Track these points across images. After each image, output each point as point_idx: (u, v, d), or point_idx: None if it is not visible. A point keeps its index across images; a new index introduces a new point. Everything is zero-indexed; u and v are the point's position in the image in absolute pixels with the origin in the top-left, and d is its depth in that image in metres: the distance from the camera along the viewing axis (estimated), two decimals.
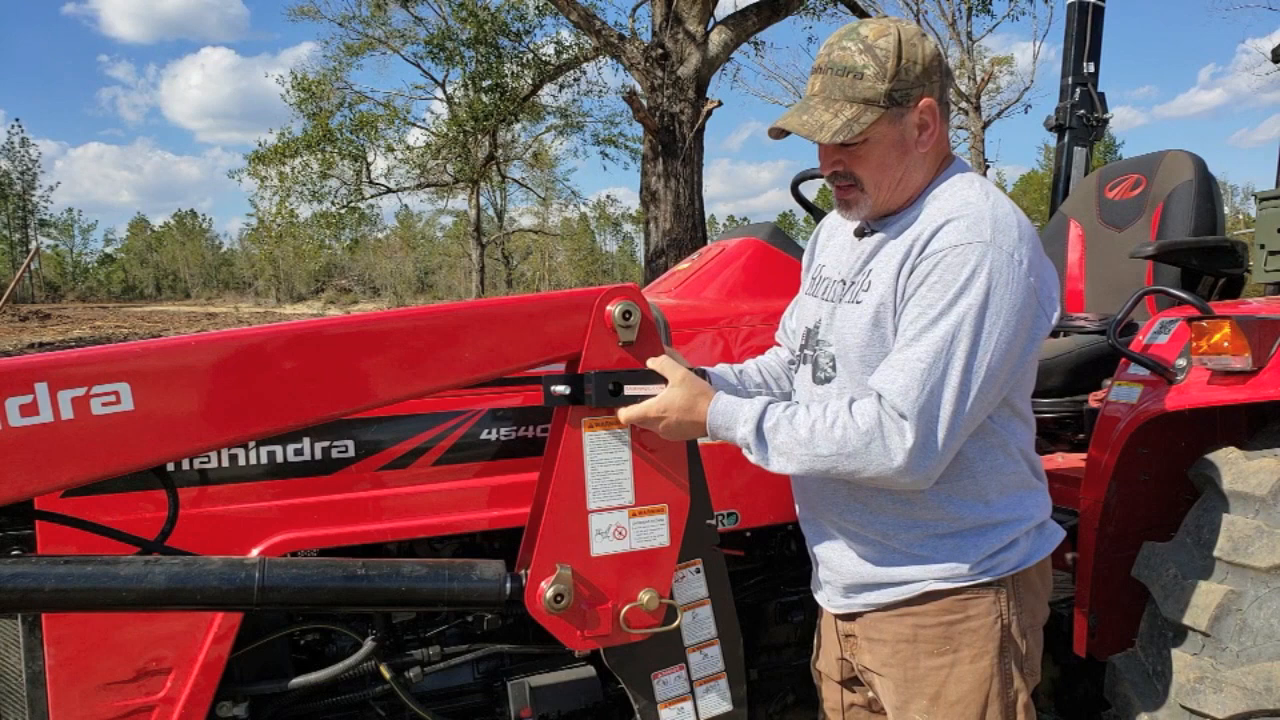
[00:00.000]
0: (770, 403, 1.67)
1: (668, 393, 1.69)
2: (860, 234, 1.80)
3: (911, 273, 1.61)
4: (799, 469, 1.62)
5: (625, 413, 1.70)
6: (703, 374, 1.78)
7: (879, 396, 1.58)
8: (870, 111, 1.63)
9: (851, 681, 1.97)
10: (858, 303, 1.71)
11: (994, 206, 1.62)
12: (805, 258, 2.06)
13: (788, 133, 1.72)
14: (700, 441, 1.88)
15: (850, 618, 1.86)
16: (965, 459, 1.68)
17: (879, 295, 1.66)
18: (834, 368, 1.76)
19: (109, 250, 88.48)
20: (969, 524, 1.71)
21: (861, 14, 14.63)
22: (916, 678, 1.76)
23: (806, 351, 1.85)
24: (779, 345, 2.12)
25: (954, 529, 1.71)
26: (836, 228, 1.95)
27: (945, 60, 1.72)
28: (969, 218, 1.59)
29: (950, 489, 1.69)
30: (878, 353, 1.66)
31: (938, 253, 1.58)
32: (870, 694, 1.94)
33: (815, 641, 2.06)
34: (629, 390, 1.69)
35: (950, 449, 1.57)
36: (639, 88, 12.19)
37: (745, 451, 1.67)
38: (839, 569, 1.83)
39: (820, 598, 1.94)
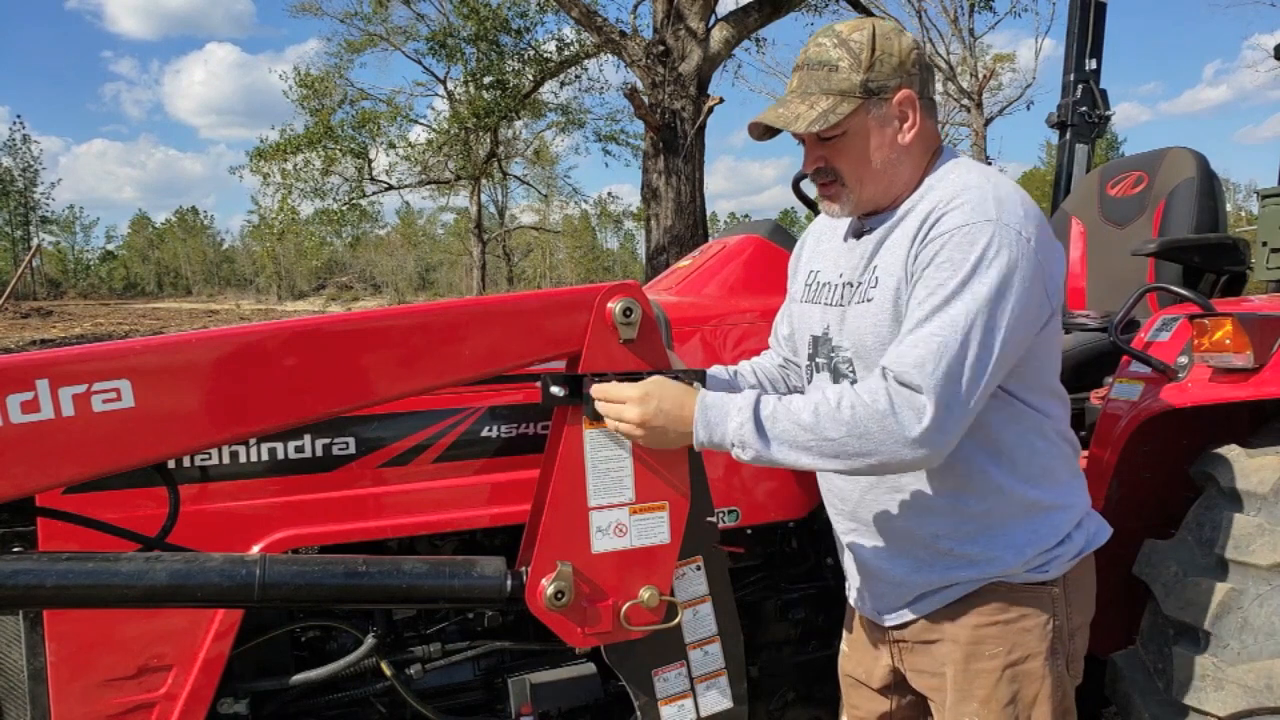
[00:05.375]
0: (761, 394, 1.63)
1: (645, 388, 1.63)
2: (858, 234, 1.80)
3: (917, 257, 1.60)
4: (804, 458, 1.57)
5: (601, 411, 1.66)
6: (700, 375, 1.78)
7: (885, 372, 1.54)
8: (846, 102, 1.64)
9: (892, 688, 1.95)
10: (869, 300, 1.70)
11: (996, 187, 1.62)
12: (791, 265, 2.04)
13: (772, 133, 1.73)
14: None
15: (902, 625, 1.84)
16: (1004, 443, 1.68)
17: (890, 287, 1.65)
18: (853, 370, 1.75)
19: (110, 247, 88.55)
20: (1018, 512, 1.70)
21: (864, 10, 14.61)
22: (969, 679, 1.75)
23: (819, 360, 1.84)
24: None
25: (1004, 519, 1.70)
26: (824, 233, 1.94)
27: (925, 57, 1.72)
28: (972, 199, 1.59)
29: (996, 476, 1.68)
30: None
31: (945, 233, 1.57)
32: (909, 698, 1.93)
33: (844, 646, 2.05)
34: None
35: (964, 426, 1.54)
36: (640, 84, 12.18)
37: (737, 450, 1.59)
38: (889, 580, 1.81)
39: (864, 610, 1.92)
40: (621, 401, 1.64)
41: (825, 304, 1.83)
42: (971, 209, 1.57)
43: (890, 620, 1.85)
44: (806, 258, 1.98)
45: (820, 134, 1.67)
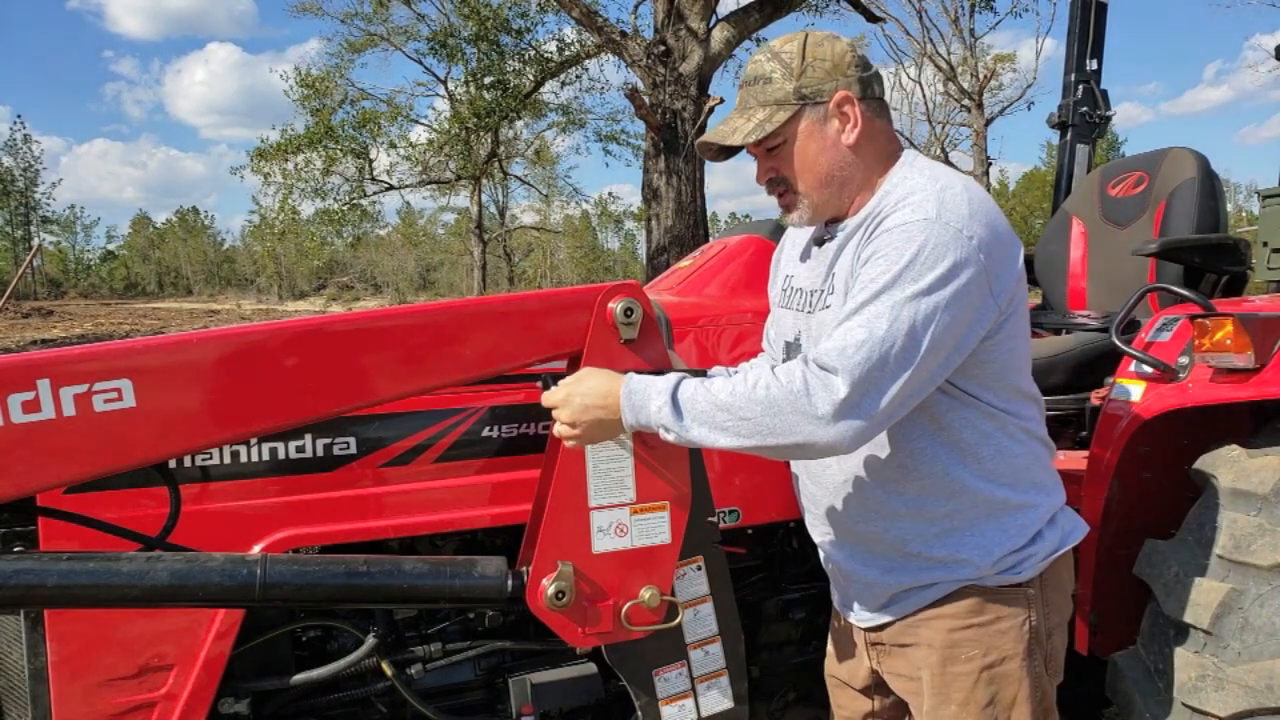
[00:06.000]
0: (685, 376, 1.63)
1: (565, 391, 1.65)
2: (820, 242, 1.81)
3: (859, 258, 1.62)
4: (722, 438, 1.56)
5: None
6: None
7: (805, 358, 1.54)
8: (782, 111, 1.68)
9: (873, 689, 1.96)
10: (828, 307, 1.72)
11: (942, 189, 1.60)
12: (771, 270, 2.05)
13: (727, 153, 1.77)
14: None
15: (879, 628, 1.85)
16: (967, 443, 1.68)
17: (844, 293, 1.66)
18: None
19: (111, 247, 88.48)
20: (984, 512, 1.70)
21: (864, 11, 14.60)
22: (947, 682, 1.75)
23: None
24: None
25: (971, 520, 1.71)
26: (799, 238, 1.94)
27: (865, 60, 1.72)
28: (915, 201, 1.59)
29: (961, 476, 1.68)
30: None
31: (884, 232, 1.58)
32: (892, 698, 1.93)
33: (829, 647, 2.05)
34: None
35: (884, 416, 1.52)
36: (641, 85, 12.17)
37: (662, 431, 1.60)
38: (863, 582, 1.83)
39: (843, 612, 1.94)
40: (553, 407, 1.67)
41: (797, 310, 1.85)
42: (912, 210, 1.58)
43: (866, 622, 1.87)
44: (784, 262, 1.99)
45: (764, 145, 1.71)
